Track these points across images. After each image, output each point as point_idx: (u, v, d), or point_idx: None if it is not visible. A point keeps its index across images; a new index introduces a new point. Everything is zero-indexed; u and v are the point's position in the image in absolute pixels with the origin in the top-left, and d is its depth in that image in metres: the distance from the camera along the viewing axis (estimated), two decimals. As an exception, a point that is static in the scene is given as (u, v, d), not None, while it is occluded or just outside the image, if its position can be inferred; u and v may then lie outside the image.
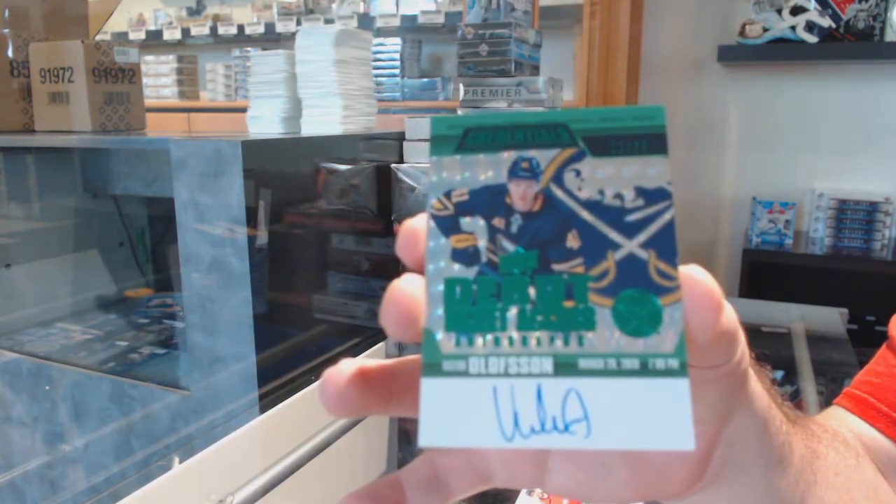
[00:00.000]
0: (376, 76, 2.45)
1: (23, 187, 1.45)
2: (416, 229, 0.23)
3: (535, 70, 1.48)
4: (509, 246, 0.23)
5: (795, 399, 1.05)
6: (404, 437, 1.03)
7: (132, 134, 1.37)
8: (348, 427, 0.84)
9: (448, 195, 0.23)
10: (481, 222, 0.23)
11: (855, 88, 2.27)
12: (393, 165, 1.17)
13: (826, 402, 0.94)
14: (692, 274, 0.22)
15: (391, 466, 1.01)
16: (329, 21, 3.00)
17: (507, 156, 0.23)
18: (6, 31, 1.37)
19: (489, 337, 0.22)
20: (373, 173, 1.17)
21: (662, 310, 0.21)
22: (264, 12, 3.32)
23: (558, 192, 0.23)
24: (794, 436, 0.32)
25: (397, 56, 2.83)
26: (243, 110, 1.29)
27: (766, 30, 2.18)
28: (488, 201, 0.23)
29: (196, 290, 0.98)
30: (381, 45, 2.83)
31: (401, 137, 1.21)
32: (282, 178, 1.02)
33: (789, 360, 1.17)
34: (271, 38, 3.20)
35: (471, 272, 0.22)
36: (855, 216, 2.18)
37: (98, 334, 1.36)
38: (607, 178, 0.23)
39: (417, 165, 1.16)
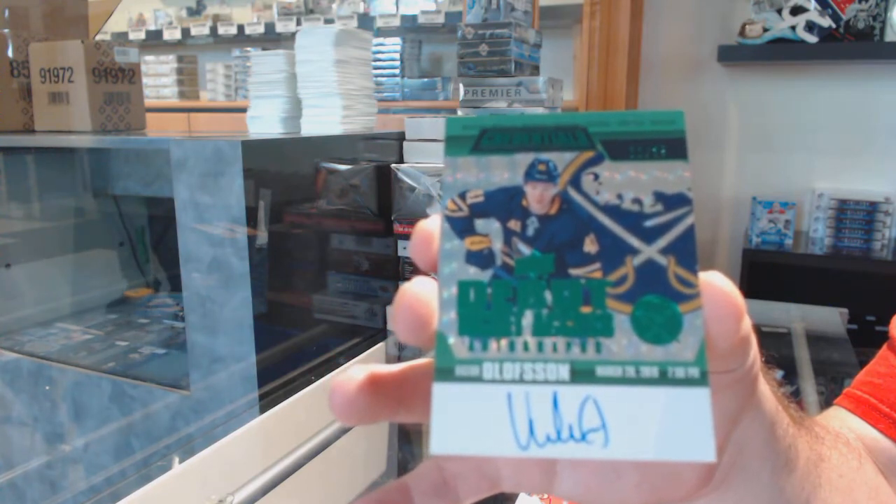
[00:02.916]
0: (376, 76, 2.45)
1: (23, 187, 1.45)
2: (429, 231, 0.23)
3: (535, 70, 1.48)
4: (525, 249, 0.22)
5: (795, 399, 1.05)
6: (404, 438, 1.03)
7: (132, 134, 1.37)
8: (348, 427, 0.84)
9: (463, 196, 0.23)
10: (496, 224, 0.22)
11: (855, 88, 2.27)
12: (393, 165, 1.17)
13: (826, 402, 0.94)
14: (713, 281, 0.21)
15: (391, 466, 1.01)
16: (329, 21, 3.00)
17: (524, 158, 0.23)
18: (6, 31, 1.37)
19: (504, 342, 0.21)
20: (373, 173, 1.17)
21: (682, 317, 0.21)
22: (264, 12, 3.32)
23: (576, 196, 0.23)
24: (799, 438, 0.31)
25: (397, 56, 2.83)
26: (243, 110, 1.29)
27: (766, 30, 2.18)
28: (504, 203, 0.23)
29: (196, 290, 0.98)
30: (381, 45, 2.83)
31: (401, 137, 1.21)
32: (282, 178, 1.02)
33: (789, 360, 1.17)
34: (271, 38, 3.20)
35: (485, 275, 0.22)
36: (855, 216, 2.18)
37: (98, 334, 1.36)
38: (626, 183, 0.23)
39: (417, 165, 1.16)
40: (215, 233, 0.94)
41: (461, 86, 1.40)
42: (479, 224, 0.23)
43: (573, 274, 0.22)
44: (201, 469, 0.73)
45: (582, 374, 0.21)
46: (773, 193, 2.36)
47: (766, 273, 2.25)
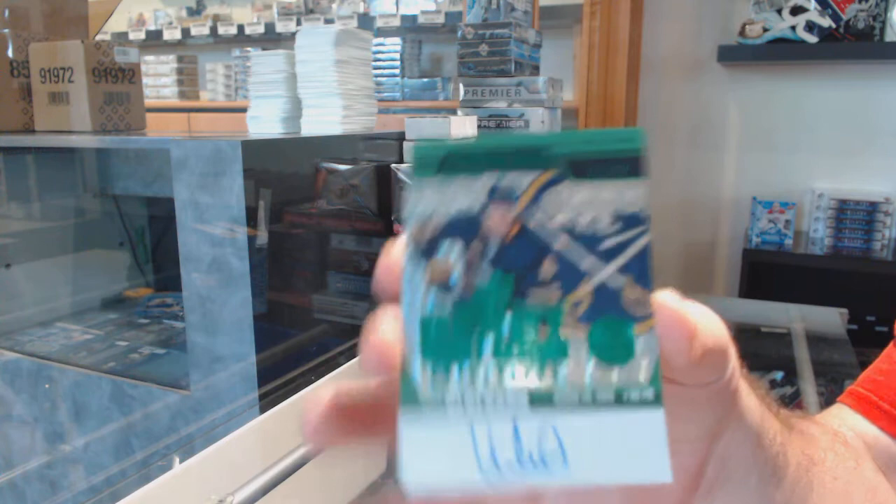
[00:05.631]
0: (376, 76, 2.44)
1: (23, 187, 1.45)
2: (392, 260, 0.23)
3: (535, 70, 1.48)
4: (485, 275, 0.22)
5: (795, 400, 1.05)
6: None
7: (132, 134, 1.37)
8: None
9: (425, 221, 0.23)
10: (458, 250, 0.23)
11: (855, 88, 2.27)
12: (393, 165, 1.17)
13: (826, 402, 0.94)
14: (664, 301, 0.22)
15: (391, 466, 1.01)
16: (329, 21, 3.00)
17: (485, 180, 0.23)
18: (6, 31, 1.37)
19: (465, 372, 0.21)
20: (373, 173, 1.17)
21: (636, 339, 0.21)
22: (264, 12, 3.32)
23: (535, 217, 0.23)
24: (789, 445, 0.31)
25: (397, 56, 2.83)
26: (243, 110, 1.29)
27: (766, 30, 2.18)
28: (465, 228, 0.23)
29: (196, 290, 0.97)
30: (381, 45, 2.83)
31: (401, 137, 1.21)
32: (282, 178, 1.02)
33: (789, 361, 1.17)
34: (271, 38, 3.20)
35: (447, 302, 0.22)
36: (855, 216, 2.18)
37: (98, 334, 1.36)
38: (585, 203, 0.23)
39: (417, 165, 1.16)
40: (215, 233, 0.94)
41: (461, 86, 1.40)
42: (442, 250, 0.23)
43: (531, 299, 0.22)
44: (201, 469, 0.73)
45: (540, 401, 0.21)
46: (773, 193, 2.36)
47: (766, 273, 2.25)
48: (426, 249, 0.23)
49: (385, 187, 1.18)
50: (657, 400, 0.21)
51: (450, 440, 0.21)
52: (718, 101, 2.45)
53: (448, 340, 0.22)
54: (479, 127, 1.35)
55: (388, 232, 1.19)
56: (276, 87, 1.24)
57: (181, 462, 0.71)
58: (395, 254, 0.23)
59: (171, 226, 0.99)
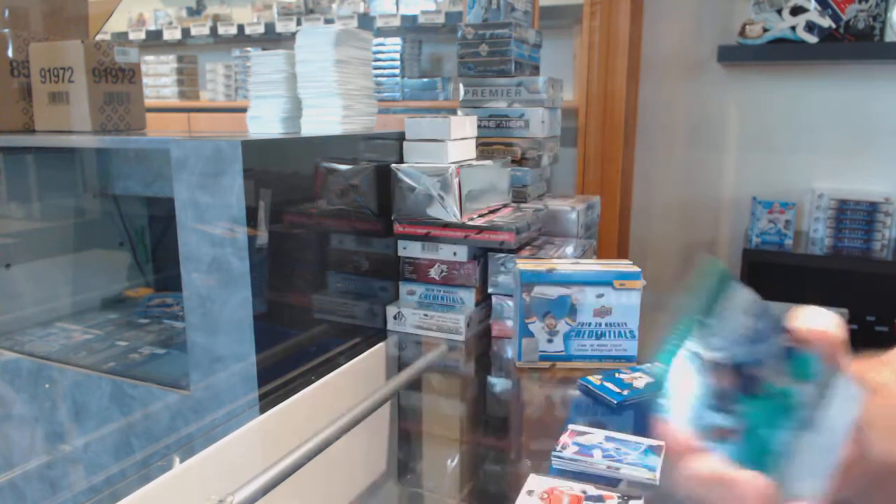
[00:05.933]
0: (376, 76, 2.45)
1: (23, 187, 1.45)
2: (684, 443, 0.38)
3: (535, 70, 1.48)
4: (743, 409, 0.38)
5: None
6: (404, 438, 1.03)
7: (132, 134, 1.37)
8: (348, 427, 0.84)
9: (690, 411, 0.38)
10: (717, 414, 0.38)
11: (855, 88, 2.27)
12: (393, 165, 1.17)
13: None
14: (799, 328, 0.40)
15: (391, 466, 1.00)
16: (329, 21, 3.00)
17: (695, 365, 0.39)
18: (6, 31, 1.37)
19: (805, 449, 0.38)
20: (373, 173, 1.17)
21: (808, 358, 0.39)
22: (264, 12, 3.32)
23: (731, 356, 0.39)
24: (876, 406, 0.40)
25: (397, 56, 2.83)
26: (243, 110, 1.29)
27: (766, 30, 2.18)
28: (712, 401, 0.38)
29: (196, 290, 0.97)
30: (381, 45, 2.83)
31: (401, 137, 1.21)
32: (282, 178, 1.02)
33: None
34: (271, 38, 3.20)
35: (750, 442, 0.38)
36: (855, 216, 2.18)
37: (98, 334, 1.36)
38: (737, 322, 0.39)
39: (417, 165, 1.16)
40: (215, 233, 0.94)
41: (461, 86, 1.40)
42: (713, 421, 0.38)
43: (771, 385, 0.39)
44: (201, 469, 0.73)
45: (804, 425, 0.38)
46: (773, 193, 2.36)
47: (766, 273, 2.25)
48: (711, 434, 0.38)
49: (385, 187, 1.18)
50: (836, 375, 0.39)
51: (814, 472, 0.37)
52: (718, 101, 2.45)
53: (768, 458, 0.37)
54: (479, 127, 1.35)
55: (389, 232, 1.19)
56: (276, 87, 1.24)
57: (181, 462, 0.71)
58: (679, 438, 0.38)
59: (171, 226, 0.99)
